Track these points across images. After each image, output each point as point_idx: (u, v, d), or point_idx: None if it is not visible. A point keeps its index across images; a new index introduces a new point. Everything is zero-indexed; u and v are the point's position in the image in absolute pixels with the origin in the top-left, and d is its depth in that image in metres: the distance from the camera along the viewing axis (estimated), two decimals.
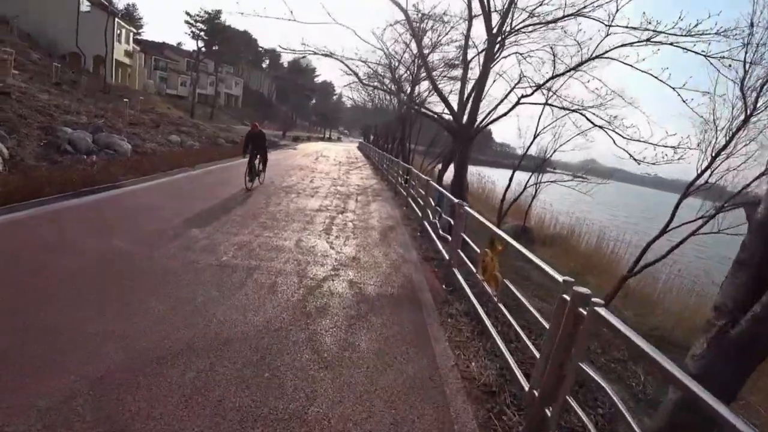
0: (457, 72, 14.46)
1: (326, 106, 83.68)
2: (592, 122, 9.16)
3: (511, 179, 16.00)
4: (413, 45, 12.05)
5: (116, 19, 37.83)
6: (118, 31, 38.90)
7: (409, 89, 17.58)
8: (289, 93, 68.12)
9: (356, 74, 10.67)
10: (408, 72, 17.90)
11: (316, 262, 5.68)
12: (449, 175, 12.30)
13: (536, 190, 16.43)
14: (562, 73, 8.38)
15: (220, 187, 10.74)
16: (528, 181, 16.09)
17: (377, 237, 7.54)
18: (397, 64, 17.13)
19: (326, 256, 6.03)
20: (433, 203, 7.70)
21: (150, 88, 48.08)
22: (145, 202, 7.99)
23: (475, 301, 4.35)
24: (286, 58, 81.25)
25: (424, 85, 18.74)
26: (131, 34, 42.48)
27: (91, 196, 7.86)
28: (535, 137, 16.03)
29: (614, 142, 9.19)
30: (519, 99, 8.82)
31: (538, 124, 15.83)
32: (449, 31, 13.37)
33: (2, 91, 16.33)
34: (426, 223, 7.86)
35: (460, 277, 5.00)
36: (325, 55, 9.90)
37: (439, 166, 21.34)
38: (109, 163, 12.53)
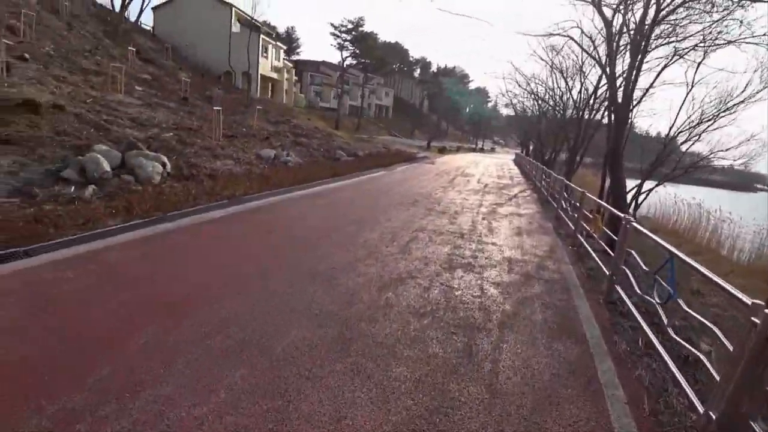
0: None
1: (479, 115, 75.00)
2: None
3: None
4: None
5: (261, 36, 35.66)
6: (264, 47, 36.91)
7: None
8: (440, 101, 61.42)
9: None
10: None
11: None
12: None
13: None
14: None
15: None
16: None
17: None
18: None
19: None
20: None
21: (300, 101, 46.13)
22: None
23: None
24: (436, 63, 74.99)
25: None
26: (281, 51, 40.56)
27: None
28: None
29: None
30: None
31: None
32: None
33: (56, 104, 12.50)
34: None
35: None
36: None
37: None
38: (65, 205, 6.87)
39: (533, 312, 4.30)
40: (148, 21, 38.51)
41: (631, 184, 14.33)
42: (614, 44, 10.33)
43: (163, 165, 10.35)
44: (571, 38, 12.35)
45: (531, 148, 39.48)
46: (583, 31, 12.91)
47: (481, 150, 65.50)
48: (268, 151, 15.26)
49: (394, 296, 4.25)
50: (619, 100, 9.31)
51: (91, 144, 10.53)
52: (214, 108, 15.95)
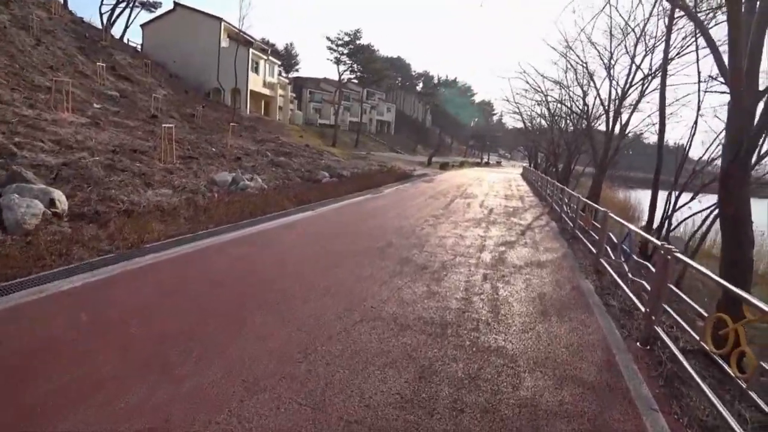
0: None
1: (484, 128, 72.18)
2: None
3: None
4: None
5: (251, 50, 33.26)
6: (255, 62, 34.48)
7: None
8: (443, 115, 58.63)
9: None
10: None
11: None
12: None
13: None
14: None
15: None
16: None
17: None
18: None
19: None
20: None
21: (298, 119, 43.64)
22: None
23: None
24: (437, 75, 72.35)
25: None
26: (275, 66, 38.12)
27: None
28: None
29: None
30: None
31: None
32: None
33: None
34: None
35: None
36: None
37: None
38: None
39: None
40: (138, 38, 36.56)
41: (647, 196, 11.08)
42: None
43: (51, 202, 7.48)
44: None
45: (539, 161, 36.36)
46: None
47: (487, 164, 62.01)
48: (225, 175, 12.37)
49: None
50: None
51: None
52: (164, 126, 13.16)
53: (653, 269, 3.95)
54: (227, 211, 9.01)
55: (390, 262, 5.98)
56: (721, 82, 4.71)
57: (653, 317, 3.71)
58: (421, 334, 3.78)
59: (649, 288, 4.06)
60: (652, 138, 30.68)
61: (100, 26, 32.70)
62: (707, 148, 10.96)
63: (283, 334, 3.59)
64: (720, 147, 10.97)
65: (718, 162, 10.68)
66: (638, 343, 3.91)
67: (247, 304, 4.20)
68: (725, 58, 4.18)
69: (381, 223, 8.97)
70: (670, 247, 3.46)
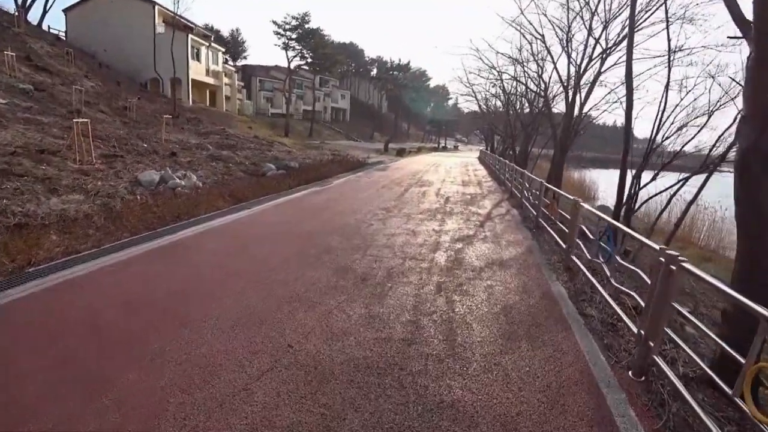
0: None
1: (441, 113, 71.79)
2: None
3: None
4: None
5: (190, 36, 30.79)
6: (196, 49, 32.01)
7: None
8: (399, 101, 57.60)
9: None
10: None
11: None
12: None
13: None
14: None
15: None
16: None
17: None
18: None
19: None
20: None
21: (247, 108, 41.34)
22: None
23: None
24: (389, 58, 71.04)
25: None
26: (219, 54, 35.60)
27: None
28: None
29: None
30: None
31: None
32: None
33: None
34: None
35: None
36: None
37: None
38: None
39: None
40: (61, 25, 32.96)
41: (608, 176, 10.61)
42: None
43: None
44: None
45: (496, 144, 36.22)
46: None
47: (444, 149, 61.74)
48: (151, 174, 10.87)
49: None
50: None
51: None
52: (75, 120, 11.40)
53: (647, 279, 3.14)
54: (145, 217, 7.68)
55: (324, 274, 4.91)
56: (738, 37, 3.87)
57: (651, 343, 2.91)
58: (350, 388, 2.75)
59: (639, 300, 3.28)
60: (603, 119, 31.10)
61: (13, 11, 29.18)
62: (662, 125, 10.57)
63: (155, 403, 2.50)
64: (673, 126, 10.61)
65: (675, 139, 10.33)
66: (630, 373, 3.09)
67: (125, 352, 3.07)
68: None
69: (323, 221, 7.89)
70: (673, 253, 2.65)
